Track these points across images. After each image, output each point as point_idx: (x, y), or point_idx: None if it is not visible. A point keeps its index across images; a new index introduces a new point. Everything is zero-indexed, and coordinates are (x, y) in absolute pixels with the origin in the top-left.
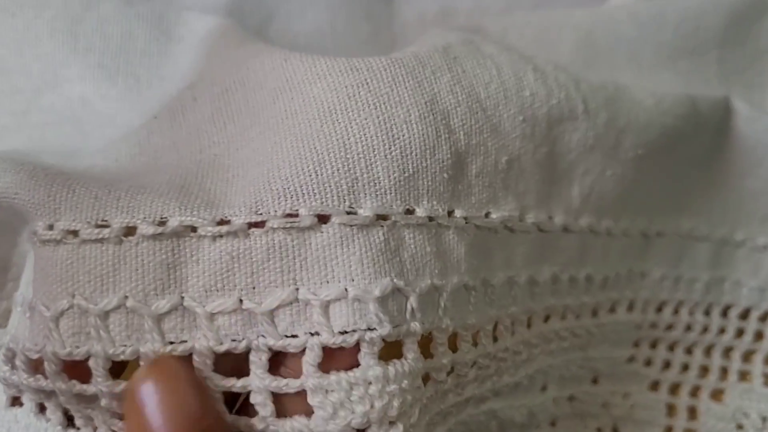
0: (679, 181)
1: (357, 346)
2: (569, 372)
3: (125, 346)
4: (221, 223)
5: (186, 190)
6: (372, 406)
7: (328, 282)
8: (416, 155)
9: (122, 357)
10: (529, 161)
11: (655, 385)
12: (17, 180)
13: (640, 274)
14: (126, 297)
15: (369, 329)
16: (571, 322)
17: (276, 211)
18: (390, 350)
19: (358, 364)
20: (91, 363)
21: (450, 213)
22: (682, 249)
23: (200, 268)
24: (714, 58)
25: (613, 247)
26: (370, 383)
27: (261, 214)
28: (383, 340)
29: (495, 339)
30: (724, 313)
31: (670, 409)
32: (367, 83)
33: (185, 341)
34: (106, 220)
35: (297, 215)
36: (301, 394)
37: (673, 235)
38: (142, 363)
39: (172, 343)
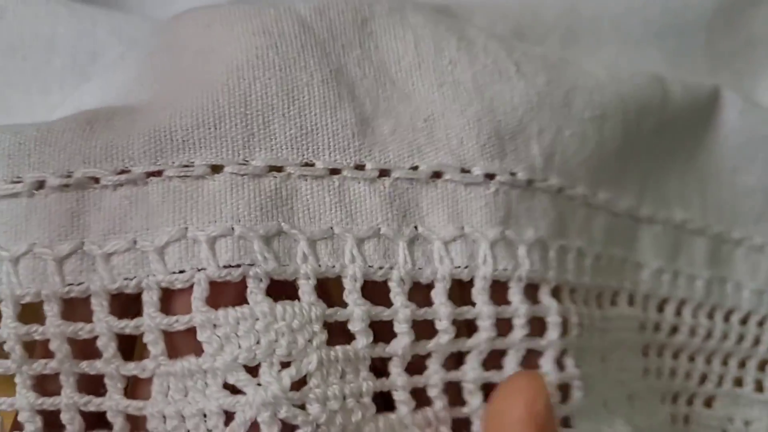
0: (665, 166)
1: (245, 285)
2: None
3: (29, 288)
4: (122, 172)
5: (92, 129)
6: (258, 342)
7: (216, 221)
8: (315, 115)
9: (27, 299)
10: (457, 118)
11: (663, 397)
12: None
13: (636, 265)
14: (34, 244)
15: (253, 264)
16: (581, 308)
17: (173, 161)
18: (290, 295)
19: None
20: (2, 306)
21: (360, 167)
22: (678, 241)
23: (101, 215)
24: (702, 41)
25: (598, 220)
26: (257, 319)
27: (159, 164)
28: (270, 278)
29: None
30: (726, 317)
31: (673, 419)
32: (276, 46)
33: (83, 283)
34: (19, 177)
35: (192, 165)
36: (192, 332)
37: (666, 224)
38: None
39: (70, 284)
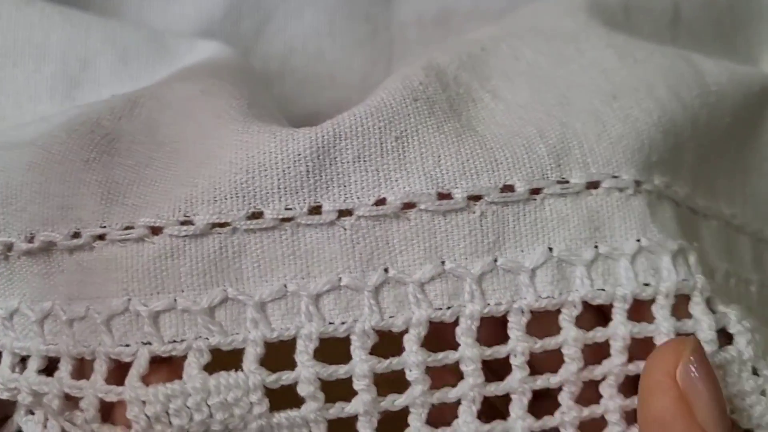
0: (714, 156)
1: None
2: None
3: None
4: (75, 235)
5: (47, 182)
6: (191, 419)
7: (159, 293)
8: (262, 153)
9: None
10: (435, 132)
11: None
12: None
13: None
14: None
15: (198, 338)
16: None
17: (117, 223)
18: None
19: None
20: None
21: (316, 209)
22: (729, 240)
23: (64, 278)
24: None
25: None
26: (189, 395)
27: (104, 226)
28: (210, 350)
29: None
30: None
31: None
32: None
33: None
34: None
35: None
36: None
37: (719, 219)
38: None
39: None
